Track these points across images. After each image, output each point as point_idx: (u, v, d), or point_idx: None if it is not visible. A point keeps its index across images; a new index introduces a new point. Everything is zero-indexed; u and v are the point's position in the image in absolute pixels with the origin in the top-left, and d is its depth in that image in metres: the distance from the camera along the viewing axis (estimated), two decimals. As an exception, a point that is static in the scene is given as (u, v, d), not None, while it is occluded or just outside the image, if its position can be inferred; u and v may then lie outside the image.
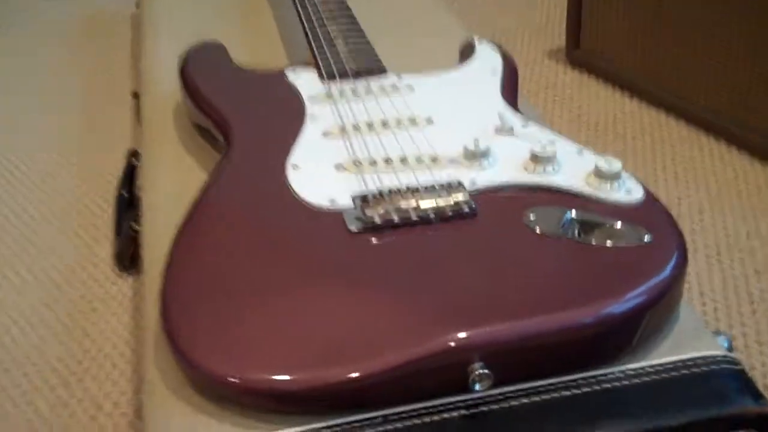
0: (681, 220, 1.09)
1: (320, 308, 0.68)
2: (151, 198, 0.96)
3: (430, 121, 0.92)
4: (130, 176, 1.12)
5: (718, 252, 1.06)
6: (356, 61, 1.02)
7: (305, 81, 1.00)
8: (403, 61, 1.03)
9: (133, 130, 1.34)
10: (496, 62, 1.03)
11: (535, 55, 1.60)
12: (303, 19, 1.12)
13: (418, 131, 0.90)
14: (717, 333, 0.76)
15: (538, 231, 0.75)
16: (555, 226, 0.76)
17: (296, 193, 0.80)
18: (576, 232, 0.75)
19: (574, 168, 0.82)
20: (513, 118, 0.91)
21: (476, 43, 1.07)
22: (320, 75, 1.00)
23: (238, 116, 0.94)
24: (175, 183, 0.96)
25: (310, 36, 1.07)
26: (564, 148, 0.85)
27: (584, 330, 0.67)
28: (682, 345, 0.72)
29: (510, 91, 0.99)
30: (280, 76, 1.02)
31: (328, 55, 1.03)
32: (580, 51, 1.54)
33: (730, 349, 0.74)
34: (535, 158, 0.83)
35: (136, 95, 1.26)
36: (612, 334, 0.68)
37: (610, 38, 1.48)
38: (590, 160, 0.83)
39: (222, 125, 0.94)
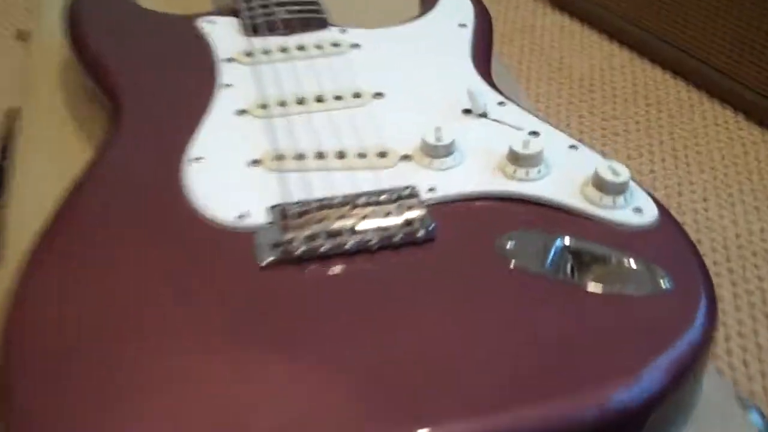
0: (680, 212, 0.89)
1: (212, 387, 0.48)
2: (22, 177, 0.74)
3: (379, 95, 0.71)
4: (5, 143, 0.90)
5: (728, 258, 0.87)
6: (289, 9, 0.80)
7: (222, 34, 0.78)
8: (353, 11, 0.82)
9: (16, 83, 1.10)
10: (466, 12, 0.82)
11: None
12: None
13: (362, 111, 0.69)
14: (742, 401, 0.58)
15: (515, 265, 0.55)
16: (539, 260, 0.56)
17: (193, 203, 0.59)
18: (568, 267, 0.56)
19: (566, 172, 0.62)
20: (486, 96, 0.70)
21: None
22: (243, 27, 0.78)
23: (130, 80, 0.72)
24: (56, 159, 0.74)
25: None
26: (553, 143, 0.64)
27: (577, 427, 0.48)
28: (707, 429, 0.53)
29: (482, 54, 0.78)
30: (191, 25, 0.79)
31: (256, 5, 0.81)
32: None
33: (766, 429, 0.56)
34: (515, 157, 0.62)
35: (22, 36, 1.03)
36: (614, 429, 0.49)
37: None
38: (588, 161, 0.63)
39: (109, 91, 0.72)
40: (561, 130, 0.67)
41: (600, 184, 0.60)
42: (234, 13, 0.81)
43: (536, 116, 0.68)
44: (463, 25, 0.80)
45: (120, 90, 0.71)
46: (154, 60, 0.75)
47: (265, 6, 0.80)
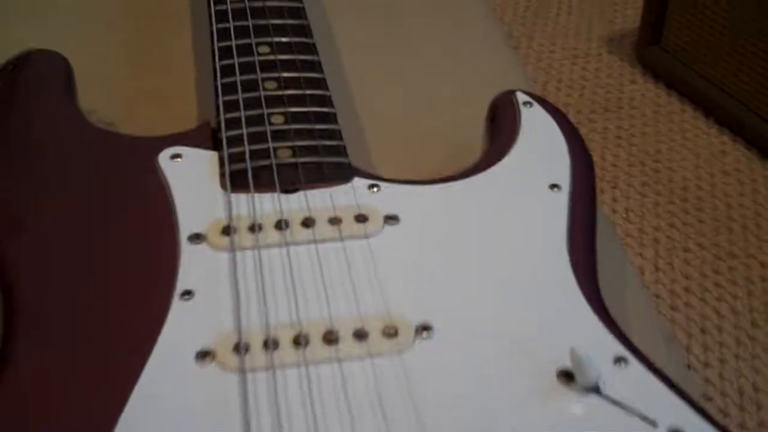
0: None
1: None
2: None
3: (425, 332, 0.44)
4: None
5: None
6: (296, 147, 0.53)
7: (190, 184, 0.51)
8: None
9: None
10: (559, 162, 0.54)
11: (587, 44, 1.09)
12: (216, 43, 0.61)
13: (396, 366, 0.42)
14: None
15: None
16: None
17: None
18: None
19: None
20: (602, 350, 0.43)
21: (521, 105, 0.58)
22: (221, 175, 0.52)
23: (28, 249, 0.46)
24: None
25: (220, 86, 0.57)
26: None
27: None
28: None
29: (584, 240, 0.51)
30: (147, 157, 0.53)
31: (245, 132, 0.54)
32: (657, 50, 1.04)
33: None
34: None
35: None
36: None
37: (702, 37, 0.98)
38: None
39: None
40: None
41: None
42: (210, 141, 0.54)
43: (671, 389, 0.41)
44: (555, 187, 0.52)
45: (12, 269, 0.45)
46: (82, 218, 0.49)
47: (258, 139, 0.53)
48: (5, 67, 0.59)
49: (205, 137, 0.54)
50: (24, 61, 0.59)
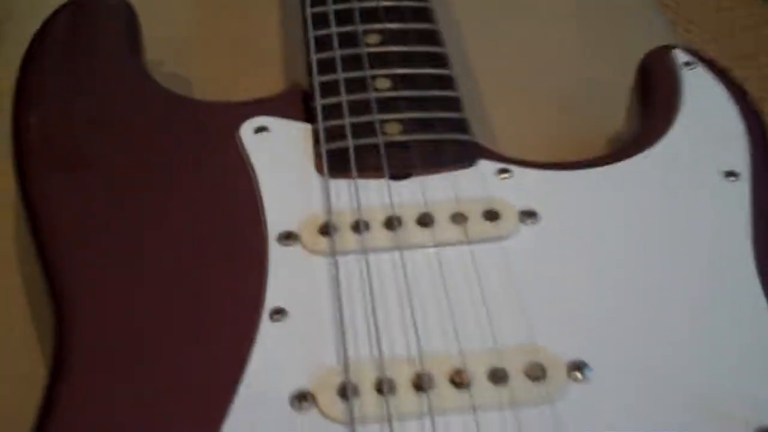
0: None
1: None
2: None
3: (579, 373, 0.34)
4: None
5: None
6: (408, 123, 0.43)
7: (279, 166, 0.42)
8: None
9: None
10: (735, 143, 0.43)
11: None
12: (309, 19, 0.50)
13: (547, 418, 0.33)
14: None
15: None
16: None
17: None
18: None
19: None
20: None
21: (681, 67, 0.47)
22: (317, 155, 0.42)
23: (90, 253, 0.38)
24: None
25: (312, 39, 0.47)
26: None
27: None
28: None
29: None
30: (226, 130, 0.43)
31: (344, 100, 0.44)
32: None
33: None
34: None
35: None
36: None
37: None
38: None
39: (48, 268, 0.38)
40: None
41: None
42: (302, 110, 0.44)
43: None
44: (731, 175, 0.42)
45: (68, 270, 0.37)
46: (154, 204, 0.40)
47: (360, 109, 0.43)
48: (62, 11, 0.49)
49: (297, 104, 0.45)
50: (82, 6, 0.50)
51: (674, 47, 0.48)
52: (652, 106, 0.46)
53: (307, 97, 0.45)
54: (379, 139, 0.42)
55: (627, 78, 0.48)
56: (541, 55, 0.57)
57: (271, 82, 0.54)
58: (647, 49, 0.48)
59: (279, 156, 0.42)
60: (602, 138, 0.51)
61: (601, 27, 0.59)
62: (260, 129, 0.43)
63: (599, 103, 0.54)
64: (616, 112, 0.49)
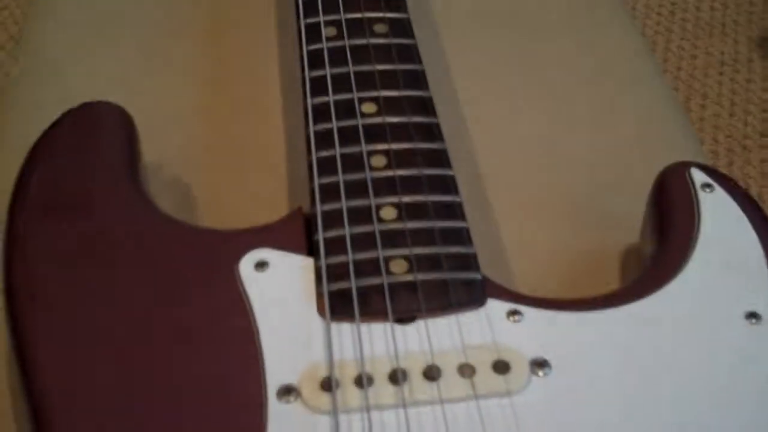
0: None
1: None
2: None
3: None
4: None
5: None
6: (416, 265, 0.41)
7: (280, 306, 0.40)
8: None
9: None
10: (755, 267, 0.42)
11: (734, 46, 0.93)
12: (309, 97, 0.48)
13: None
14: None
15: None
16: None
17: None
18: None
19: None
20: None
21: (698, 189, 0.45)
22: (318, 294, 0.40)
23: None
24: None
25: (314, 160, 0.45)
26: None
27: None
28: None
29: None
30: (224, 263, 0.42)
31: (349, 242, 0.42)
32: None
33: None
34: None
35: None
36: None
37: None
38: None
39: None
40: None
41: None
42: (304, 238, 0.43)
43: None
44: (753, 317, 0.40)
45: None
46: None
47: (364, 243, 0.41)
48: (59, 124, 0.48)
49: (298, 233, 0.43)
50: (79, 119, 0.48)
51: (692, 165, 0.46)
52: (668, 231, 0.44)
53: (310, 224, 0.43)
54: (384, 280, 0.40)
55: (644, 186, 0.47)
56: (554, 159, 0.55)
57: (274, 187, 0.53)
58: (666, 157, 0.47)
59: (279, 296, 0.41)
60: (617, 251, 0.49)
61: (620, 131, 0.58)
62: (260, 264, 0.42)
63: (614, 210, 0.52)
64: (631, 221, 0.48)
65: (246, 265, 0.42)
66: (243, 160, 0.55)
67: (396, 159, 0.45)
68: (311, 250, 0.42)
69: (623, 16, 0.69)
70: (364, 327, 0.39)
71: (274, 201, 0.52)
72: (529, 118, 0.58)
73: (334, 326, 0.39)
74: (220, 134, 0.56)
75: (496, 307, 0.40)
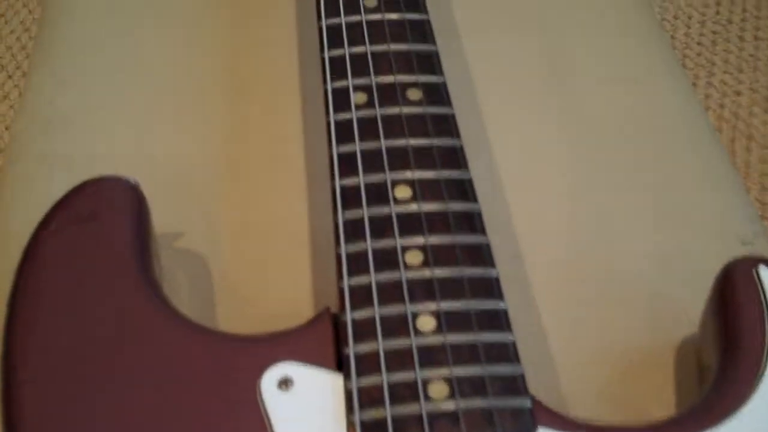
0: None
1: None
2: None
3: None
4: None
5: None
6: (457, 389, 0.37)
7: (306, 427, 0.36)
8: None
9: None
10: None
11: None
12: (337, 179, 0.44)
13: None
14: None
15: None
16: None
17: None
18: None
19: None
20: None
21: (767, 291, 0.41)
22: (349, 423, 0.36)
23: None
24: None
25: (344, 254, 0.41)
26: None
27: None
28: None
29: None
30: (243, 379, 0.38)
31: (383, 360, 0.38)
32: None
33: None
34: None
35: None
36: None
37: None
38: None
39: None
40: None
41: None
42: (332, 348, 0.39)
43: None
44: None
45: None
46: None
47: (399, 361, 0.37)
48: (63, 207, 0.44)
49: (326, 343, 0.39)
50: (85, 201, 0.44)
51: (760, 262, 0.42)
52: (733, 348, 0.39)
53: (338, 327, 0.39)
54: (422, 408, 0.36)
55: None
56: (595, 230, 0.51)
57: (295, 259, 0.49)
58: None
59: (305, 420, 0.37)
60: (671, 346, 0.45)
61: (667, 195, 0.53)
62: (284, 382, 0.38)
63: (664, 293, 0.48)
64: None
65: (268, 382, 0.38)
66: (264, 235, 0.50)
67: (433, 255, 0.41)
68: (340, 362, 0.38)
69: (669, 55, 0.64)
70: (400, 462, 0.35)
71: (295, 275, 0.48)
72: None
73: (367, 460, 0.35)
74: (239, 204, 0.52)
75: (546, 439, 0.36)
